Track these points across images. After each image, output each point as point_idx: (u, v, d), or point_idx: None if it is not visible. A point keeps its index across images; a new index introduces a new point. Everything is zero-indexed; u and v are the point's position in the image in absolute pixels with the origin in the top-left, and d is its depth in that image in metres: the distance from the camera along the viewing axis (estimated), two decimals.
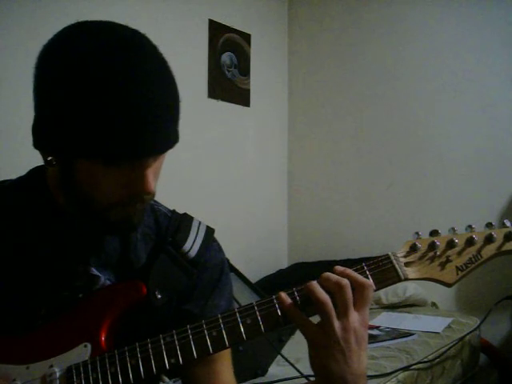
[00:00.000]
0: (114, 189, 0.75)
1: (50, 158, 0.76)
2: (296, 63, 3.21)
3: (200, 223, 0.94)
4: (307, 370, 1.48)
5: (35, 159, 0.84)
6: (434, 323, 2.20)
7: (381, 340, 1.98)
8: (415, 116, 2.75)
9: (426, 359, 1.87)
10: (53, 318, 0.83)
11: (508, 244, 0.76)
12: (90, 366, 0.77)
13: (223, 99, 2.78)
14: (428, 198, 2.70)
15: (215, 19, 2.73)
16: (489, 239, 0.76)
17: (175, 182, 2.42)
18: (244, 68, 2.91)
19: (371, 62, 2.89)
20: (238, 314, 0.75)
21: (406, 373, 1.76)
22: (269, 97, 3.12)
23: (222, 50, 2.78)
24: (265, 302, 0.76)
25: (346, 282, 0.72)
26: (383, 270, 0.76)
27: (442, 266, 0.76)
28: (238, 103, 2.87)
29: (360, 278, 0.73)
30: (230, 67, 2.82)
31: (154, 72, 0.72)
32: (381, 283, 0.75)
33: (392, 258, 0.76)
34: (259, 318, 0.75)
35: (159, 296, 0.85)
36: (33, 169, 0.91)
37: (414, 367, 1.80)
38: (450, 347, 2.00)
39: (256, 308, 0.75)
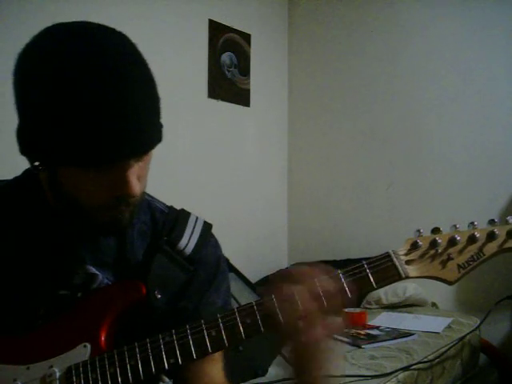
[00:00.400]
0: (97, 192, 0.75)
1: (36, 164, 0.77)
2: (296, 63, 3.21)
3: (197, 219, 0.93)
4: None
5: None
6: (434, 323, 2.20)
7: (381, 340, 1.97)
8: (415, 116, 2.75)
9: (426, 359, 1.86)
10: (52, 318, 0.83)
11: (511, 241, 0.74)
12: (89, 366, 0.77)
13: (223, 99, 2.78)
14: (428, 199, 2.70)
15: (215, 19, 2.73)
16: (491, 236, 0.74)
17: (175, 181, 2.42)
18: (244, 68, 2.91)
19: (371, 62, 2.89)
20: (237, 314, 0.75)
21: (406, 373, 1.76)
22: (269, 97, 3.12)
23: (221, 50, 2.78)
24: (264, 301, 0.75)
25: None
26: (383, 269, 0.75)
27: (444, 263, 0.75)
28: (237, 103, 2.87)
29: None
30: (229, 67, 2.82)
31: (130, 73, 0.71)
32: (381, 281, 0.75)
33: (392, 255, 0.75)
34: (259, 317, 0.75)
35: (159, 296, 0.85)
36: (28, 169, 0.90)
37: (414, 367, 1.79)
38: (450, 347, 2.00)
39: (256, 308, 0.75)
